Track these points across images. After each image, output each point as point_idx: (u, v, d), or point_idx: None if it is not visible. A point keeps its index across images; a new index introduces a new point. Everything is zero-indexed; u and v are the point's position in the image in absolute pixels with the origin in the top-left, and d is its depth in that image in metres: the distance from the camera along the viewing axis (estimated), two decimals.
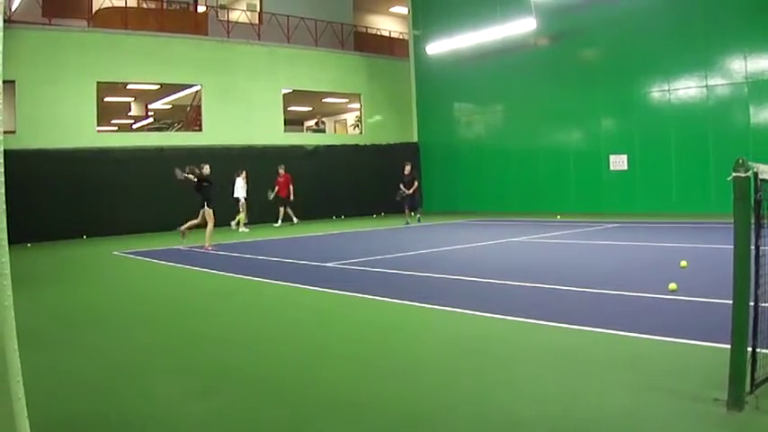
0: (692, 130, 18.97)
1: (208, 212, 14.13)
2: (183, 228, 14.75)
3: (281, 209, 21.33)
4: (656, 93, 19.92)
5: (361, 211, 24.96)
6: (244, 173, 20.23)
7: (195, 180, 14.15)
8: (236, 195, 19.93)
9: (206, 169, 14.34)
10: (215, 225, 14.47)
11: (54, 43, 19.82)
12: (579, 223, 17.49)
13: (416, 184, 20.89)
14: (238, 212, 20.07)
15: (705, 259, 9.82)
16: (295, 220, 21.51)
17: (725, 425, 3.45)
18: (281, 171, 21.44)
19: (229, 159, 20.75)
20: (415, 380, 4.63)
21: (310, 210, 22.71)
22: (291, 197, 21.17)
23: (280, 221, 21.37)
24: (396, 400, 4.18)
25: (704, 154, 18.60)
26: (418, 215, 21.13)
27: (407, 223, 20.31)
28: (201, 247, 14.24)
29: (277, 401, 4.27)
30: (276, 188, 21.07)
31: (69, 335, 6.65)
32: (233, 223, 20.22)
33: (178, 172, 14.33)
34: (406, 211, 20.81)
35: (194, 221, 14.45)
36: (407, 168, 20.73)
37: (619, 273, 9.04)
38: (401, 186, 20.53)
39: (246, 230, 19.63)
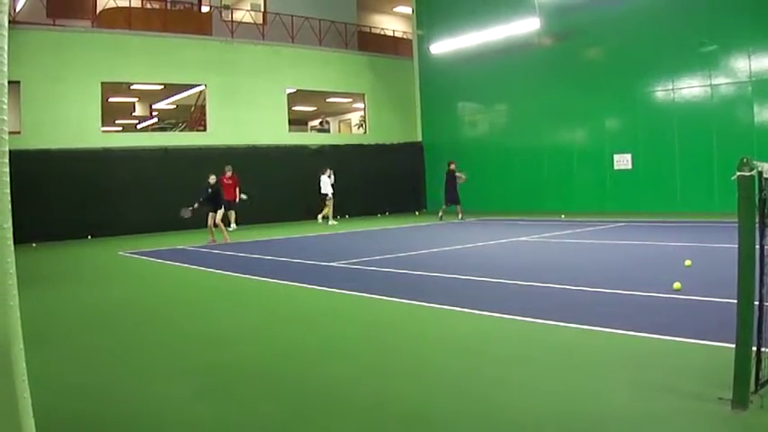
0: (696, 129, 18.93)
1: (221, 215, 16.07)
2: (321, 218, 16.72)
3: (228, 213, 19.23)
4: (660, 92, 19.89)
5: (366, 211, 24.95)
6: (329, 170, 21.28)
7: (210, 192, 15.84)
8: (323, 191, 21.21)
9: (213, 179, 16.04)
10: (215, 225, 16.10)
11: (58, 43, 19.86)
12: (583, 222, 17.47)
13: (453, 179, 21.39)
14: (324, 207, 21.40)
15: (709, 258, 9.79)
16: (232, 227, 19.40)
17: (730, 424, 3.44)
18: (229, 172, 19.38)
19: (233, 159, 20.75)
20: (418, 379, 4.63)
21: (315, 210, 22.70)
22: (238, 200, 19.49)
23: (233, 225, 19.62)
24: (398, 399, 4.18)
25: (708, 153, 18.56)
26: (440, 213, 21.50)
27: (461, 219, 20.82)
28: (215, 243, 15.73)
29: (280, 400, 4.28)
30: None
31: (73, 335, 6.67)
32: (319, 217, 21.42)
33: (185, 211, 15.84)
34: (458, 208, 21.22)
35: (218, 226, 16.12)
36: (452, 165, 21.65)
37: (623, 272, 9.03)
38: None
39: (335, 223, 21.18)
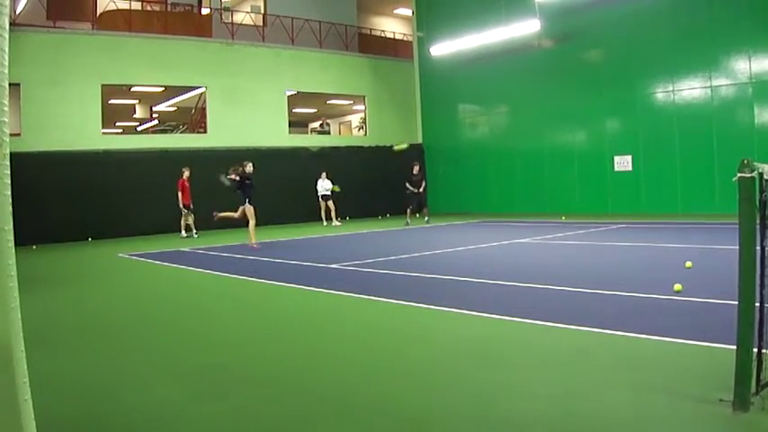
0: (697, 131, 18.94)
1: (249, 210, 14.42)
2: (219, 214, 15.05)
3: (192, 217, 18.96)
4: (661, 93, 19.90)
5: (366, 213, 24.96)
6: (323, 173, 22.16)
7: (238, 179, 14.31)
8: (321, 193, 22.14)
9: (249, 167, 14.50)
10: (256, 222, 14.77)
11: (58, 46, 19.89)
12: (584, 224, 17.46)
13: (424, 184, 20.96)
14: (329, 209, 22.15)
15: (710, 260, 9.79)
16: (192, 233, 18.97)
17: (730, 426, 3.44)
18: (187, 173, 18.48)
19: (234, 161, 20.72)
20: (418, 381, 4.63)
21: (315, 212, 22.71)
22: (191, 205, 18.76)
23: (193, 231, 19.03)
24: (398, 401, 4.18)
25: (709, 154, 18.57)
26: (426, 216, 21.09)
27: (407, 224, 20.24)
28: (246, 245, 14.65)
29: (280, 403, 4.27)
30: (179, 194, 18.72)
31: (74, 337, 6.66)
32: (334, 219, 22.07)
33: (223, 178, 14.50)
34: (409, 212, 20.71)
35: (233, 215, 14.77)
36: (416, 168, 20.87)
37: (623, 273, 9.02)
38: (408, 186, 20.60)
39: (326, 225, 21.80)
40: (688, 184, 19.26)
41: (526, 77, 23.37)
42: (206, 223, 20.04)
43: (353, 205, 24.29)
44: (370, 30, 30.73)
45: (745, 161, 3.57)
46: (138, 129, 30.28)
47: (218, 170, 15.05)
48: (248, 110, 23.42)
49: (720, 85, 18.56)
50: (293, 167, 23.29)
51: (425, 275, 9.47)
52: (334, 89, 26.69)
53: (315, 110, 32.24)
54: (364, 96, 27.34)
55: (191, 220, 19.00)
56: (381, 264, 11.00)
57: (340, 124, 35.77)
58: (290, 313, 7.52)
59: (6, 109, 2.28)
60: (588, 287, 7.78)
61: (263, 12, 25.94)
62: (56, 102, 19.60)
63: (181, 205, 18.72)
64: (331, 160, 24.15)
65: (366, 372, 4.95)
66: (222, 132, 22.72)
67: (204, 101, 23.30)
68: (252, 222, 14.50)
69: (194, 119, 25.40)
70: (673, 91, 19.59)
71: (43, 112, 19.34)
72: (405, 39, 30.96)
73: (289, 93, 25.02)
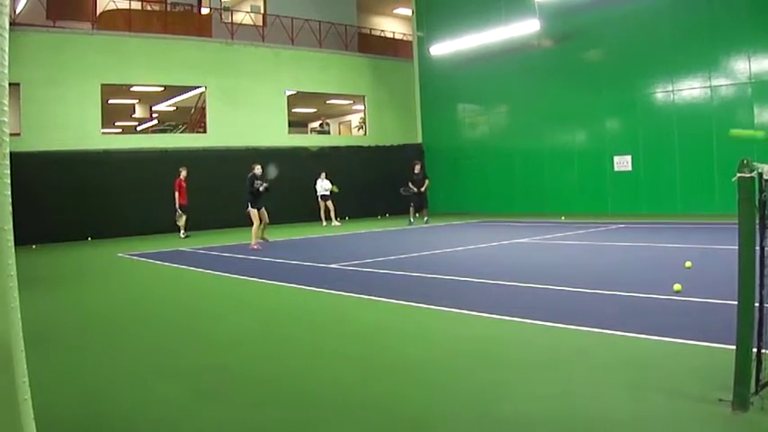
0: (696, 131, 18.94)
1: (254, 213, 14.55)
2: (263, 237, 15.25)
3: (184, 218, 18.86)
4: (660, 93, 19.90)
5: (366, 213, 24.95)
6: (322, 173, 22.22)
7: (266, 186, 14.51)
8: (320, 193, 22.24)
9: (258, 169, 14.64)
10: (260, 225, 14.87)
11: (58, 45, 19.89)
12: (583, 224, 17.46)
13: (427, 183, 20.98)
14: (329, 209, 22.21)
15: (710, 260, 9.79)
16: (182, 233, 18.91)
17: (730, 425, 3.44)
18: (184, 173, 18.88)
19: (233, 161, 20.76)
20: (418, 380, 4.63)
21: (315, 212, 22.70)
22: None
23: (183, 231, 18.82)
24: (399, 401, 4.18)
25: (708, 154, 18.56)
26: (426, 216, 21.07)
27: (410, 223, 20.31)
28: (251, 247, 14.48)
29: (281, 402, 4.27)
30: (176, 194, 18.78)
31: (74, 337, 6.66)
32: (333, 219, 22.04)
33: (260, 181, 14.54)
34: (411, 210, 20.79)
35: (256, 225, 14.75)
36: (417, 168, 20.88)
37: (623, 273, 9.02)
38: (409, 185, 20.61)
39: (338, 224, 21.80)
40: (687, 183, 19.26)
41: (526, 77, 23.36)
42: (206, 223, 20.15)
43: (353, 205, 24.26)
44: (370, 30, 30.72)
45: (745, 161, 3.57)
46: (138, 128, 30.28)
47: (229, 167, 15.00)
48: (248, 110, 23.41)
49: (720, 85, 18.56)
50: (293, 167, 23.26)
51: (425, 275, 9.47)
52: (333, 89, 26.68)
53: (314, 110, 32.24)
54: (364, 96, 27.33)
55: (184, 221, 18.95)
56: (381, 264, 11.00)
57: (340, 124, 35.76)
58: (291, 313, 7.52)
59: (6, 109, 2.28)
60: (588, 287, 7.78)
61: (262, 12, 25.93)
62: (56, 102, 19.59)
63: (176, 205, 18.70)
64: (331, 160, 24.12)
65: (367, 371, 4.95)
66: (222, 132, 22.71)
67: (204, 101, 23.30)
68: (255, 224, 14.61)
69: (194, 119, 25.40)
70: (672, 91, 19.59)
71: (43, 112, 19.33)
72: (404, 38, 30.95)
73: (288, 92, 25.01)
